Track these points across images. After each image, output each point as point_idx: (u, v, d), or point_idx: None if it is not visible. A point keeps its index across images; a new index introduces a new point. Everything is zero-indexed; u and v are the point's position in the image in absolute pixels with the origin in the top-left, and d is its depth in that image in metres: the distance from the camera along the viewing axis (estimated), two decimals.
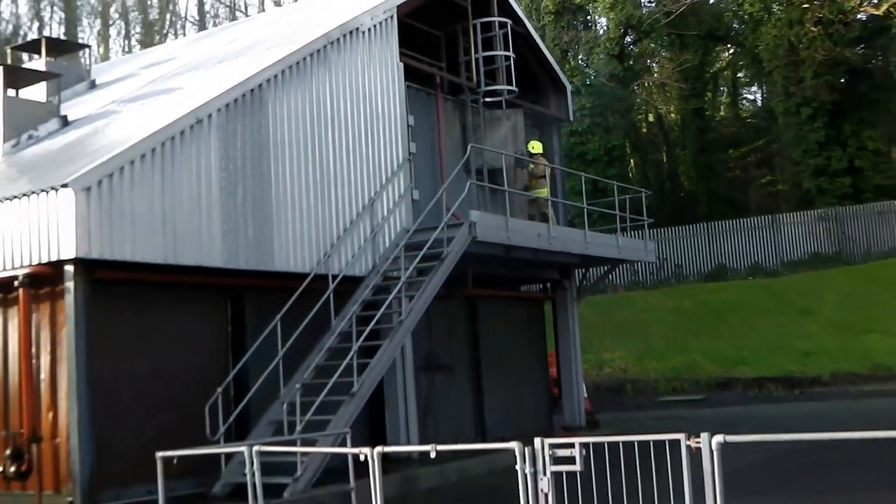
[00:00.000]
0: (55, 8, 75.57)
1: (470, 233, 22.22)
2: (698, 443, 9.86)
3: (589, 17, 64.04)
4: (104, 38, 76.92)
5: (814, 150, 53.94)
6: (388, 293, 20.85)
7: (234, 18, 71.76)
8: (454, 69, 27.34)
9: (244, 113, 19.98)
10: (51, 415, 17.32)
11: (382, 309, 20.51)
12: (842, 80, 54.96)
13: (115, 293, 17.77)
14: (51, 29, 72.47)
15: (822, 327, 41.73)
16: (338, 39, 22.67)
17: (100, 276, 17.14)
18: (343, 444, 17.13)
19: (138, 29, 78.91)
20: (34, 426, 17.00)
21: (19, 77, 23.74)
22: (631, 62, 62.70)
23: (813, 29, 52.93)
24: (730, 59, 70.92)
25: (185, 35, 68.91)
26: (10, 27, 73.47)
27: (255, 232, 19.83)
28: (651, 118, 72.80)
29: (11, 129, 22.17)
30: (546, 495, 10.67)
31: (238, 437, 19.13)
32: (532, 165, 27.13)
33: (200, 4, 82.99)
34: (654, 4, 61.26)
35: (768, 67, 56.75)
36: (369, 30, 23.59)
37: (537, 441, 10.74)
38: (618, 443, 10.83)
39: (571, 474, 10.66)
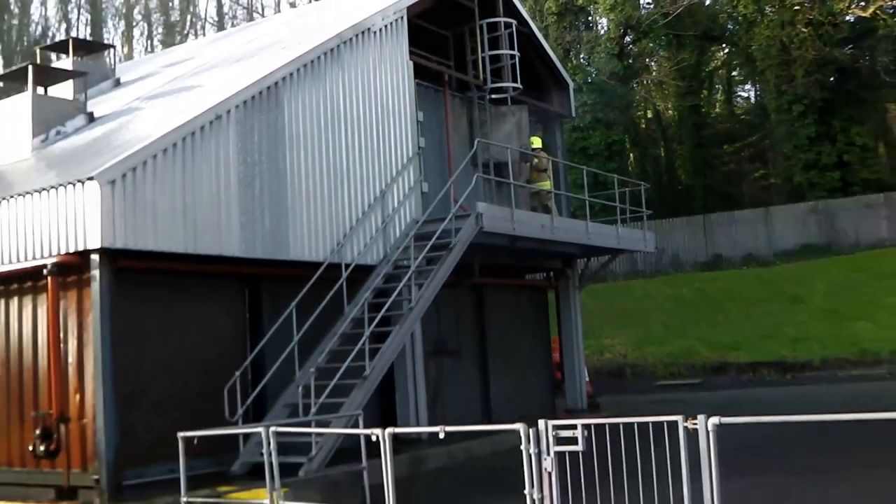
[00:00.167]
0: (82, 10, 75.68)
1: (477, 224, 22.21)
2: (695, 424, 9.85)
3: (590, 18, 64.01)
4: (128, 38, 76.98)
5: (805, 146, 53.92)
6: (399, 281, 20.85)
7: (251, 19, 71.73)
8: (461, 67, 27.33)
9: (261, 109, 19.97)
10: (78, 397, 17.34)
11: (393, 296, 20.51)
12: (831, 79, 54.92)
13: (138, 281, 17.79)
14: (78, 30, 72.54)
15: (812, 315, 41.73)
16: (350, 39, 22.65)
17: (124, 264, 17.15)
18: (355, 426, 17.17)
19: (160, 30, 78.97)
20: (62, 407, 17.01)
21: (48, 76, 23.76)
22: (630, 61, 62.64)
23: (804, 30, 52.89)
24: (725, 59, 70.78)
25: (204, 35, 68.86)
26: (39, 28, 73.62)
27: (272, 223, 19.83)
28: (650, 115, 72.72)
29: (40, 125, 22.17)
30: (549, 474, 10.67)
31: (255, 418, 19.13)
32: (536, 160, 27.15)
33: (219, 6, 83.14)
34: (652, 6, 61.22)
35: (761, 66, 56.72)
36: (381, 30, 23.57)
37: (541, 423, 10.73)
38: (618, 424, 10.82)
39: (574, 454, 10.65)
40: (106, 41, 65.56)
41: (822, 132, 53.65)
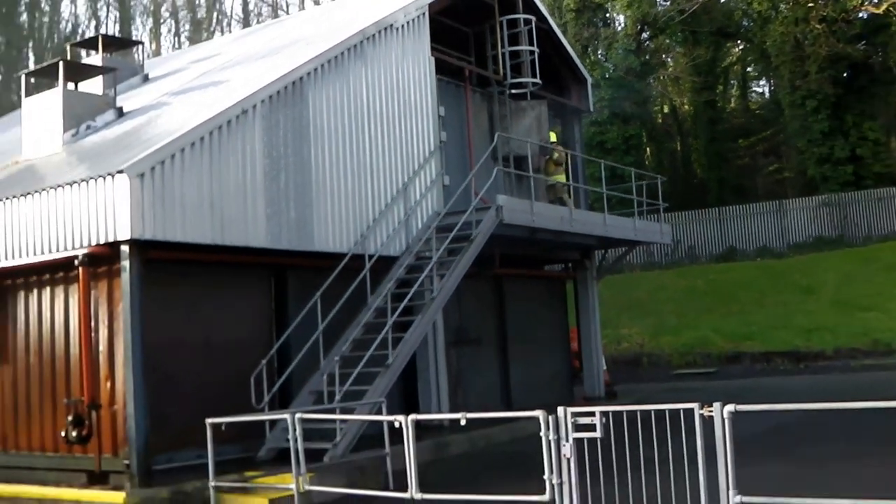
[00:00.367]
0: (111, 8, 75.79)
1: (497, 216, 22.24)
2: (711, 411, 9.85)
3: (608, 15, 63.79)
4: (156, 35, 77.08)
5: (818, 140, 53.68)
6: (421, 272, 20.88)
7: (276, 16, 71.75)
8: (482, 63, 27.32)
9: (286, 104, 20.00)
10: (109, 384, 17.40)
11: (415, 287, 20.55)
12: (844, 75, 54.65)
13: (167, 272, 17.84)
14: (107, 27, 72.62)
15: (824, 306, 41.57)
16: (373, 35, 22.67)
17: (153, 255, 17.19)
18: (379, 413, 17.20)
19: (187, 27, 79.03)
20: (94, 394, 17.07)
21: (78, 71, 23.80)
22: (647, 57, 62.44)
23: (817, 26, 52.64)
24: (740, 55, 70.55)
25: (230, 32, 68.92)
26: (69, 26, 73.79)
27: (297, 214, 19.86)
28: (666, 109, 72.52)
29: (71, 119, 22.22)
30: (568, 460, 10.70)
31: (281, 405, 19.16)
32: (557, 153, 27.16)
33: (245, 3, 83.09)
34: (668, 3, 60.97)
35: (776, 62, 56.46)
36: (403, 26, 23.58)
37: (560, 410, 10.76)
38: (635, 411, 10.83)
39: (592, 441, 10.67)
40: (134, 38, 65.57)
41: (835, 127, 53.43)
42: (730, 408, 9.71)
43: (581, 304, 30.30)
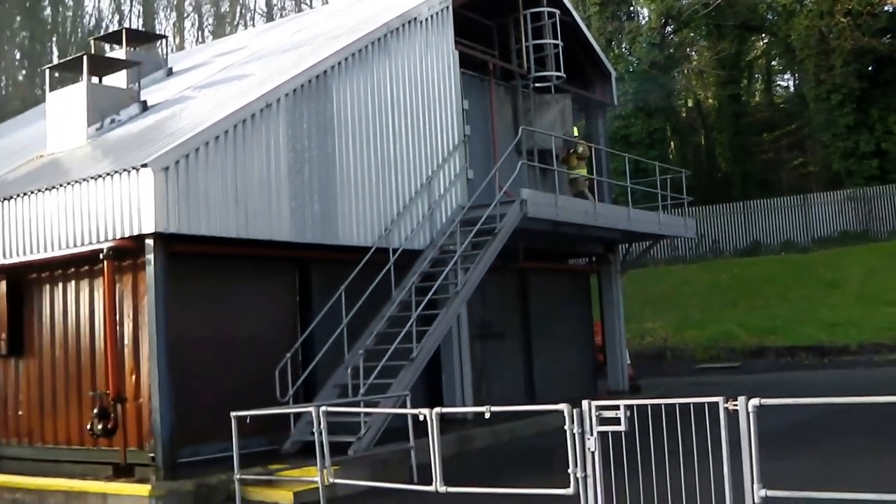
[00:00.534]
0: (134, 2, 75.96)
1: (521, 209, 22.23)
2: (735, 405, 9.83)
3: (632, 8, 63.70)
4: (179, 29, 77.24)
5: (843, 134, 53.48)
6: (445, 265, 20.89)
7: (299, 10, 71.80)
8: (506, 56, 27.31)
9: (310, 98, 20.01)
10: (134, 377, 17.48)
11: (440, 280, 20.56)
12: (869, 68, 54.44)
13: (191, 265, 17.88)
14: (130, 21, 72.74)
15: (849, 300, 41.41)
16: (397, 29, 22.67)
17: (178, 249, 17.22)
18: (403, 406, 17.22)
19: (211, 21, 79.14)
20: (119, 387, 17.11)
21: (102, 65, 23.86)
22: (671, 51, 62.32)
23: (842, 20, 52.39)
24: (764, 48, 70.29)
25: (254, 26, 68.99)
26: (93, 20, 74.06)
27: (321, 208, 19.88)
28: (690, 103, 72.32)
29: (95, 113, 22.28)
30: (593, 453, 10.68)
31: (305, 399, 19.23)
32: (581, 147, 27.15)
33: None
34: None
35: (800, 56, 56.25)
36: (427, 19, 23.57)
37: (585, 403, 10.74)
38: (660, 405, 10.81)
39: (616, 434, 10.65)
40: (158, 32, 65.81)
41: (859, 121, 53.21)
42: (755, 401, 9.68)
43: (605, 298, 30.26)
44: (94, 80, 23.04)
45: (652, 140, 56.89)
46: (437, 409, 11.95)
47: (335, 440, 15.14)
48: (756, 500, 9.67)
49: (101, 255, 17.22)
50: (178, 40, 74.04)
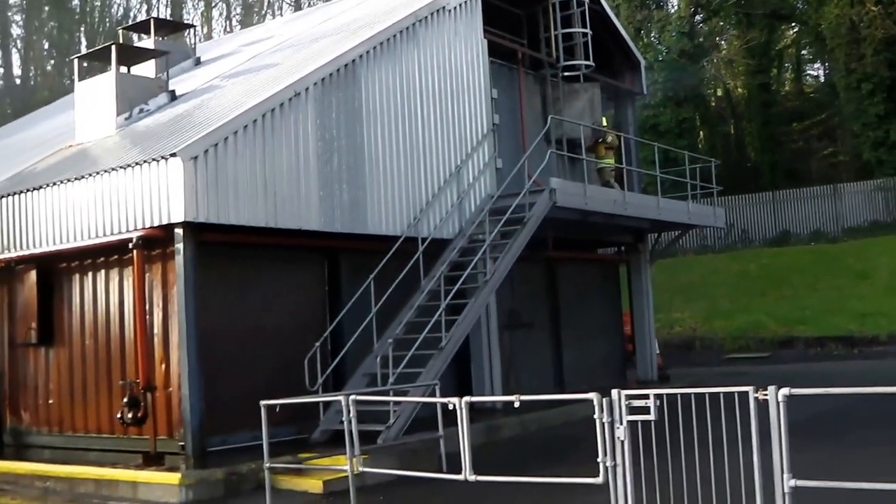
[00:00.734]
0: None
1: (550, 198, 22.20)
2: (765, 395, 9.80)
3: None
4: (207, 18, 77.35)
5: (873, 124, 53.15)
6: (474, 255, 20.87)
7: (327, 0, 71.79)
8: (535, 45, 27.24)
9: (339, 87, 20.04)
10: (163, 366, 17.57)
11: (468, 269, 20.55)
12: None
13: (220, 254, 17.97)
14: (158, 10, 72.94)
15: (878, 290, 41.18)
16: (426, 17, 22.66)
17: (207, 238, 17.30)
18: (432, 395, 17.25)
19: (238, 10, 79.25)
20: (149, 376, 17.21)
21: (131, 55, 23.95)
22: (700, 39, 62.03)
23: (873, 9, 52.07)
24: (794, 37, 69.98)
25: (281, 15, 69.06)
26: (121, 10, 74.30)
27: (350, 197, 19.91)
28: (719, 92, 72.04)
29: (124, 103, 22.37)
30: (622, 442, 10.66)
31: (334, 387, 19.27)
32: (611, 137, 27.13)
33: None
34: None
35: (830, 45, 55.93)
36: (455, 8, 23.55)
37: (614, 392, 10.72)
38: (689, 395, 10.77)
39: (645, 423, 10.64)
40: (186, 22, 65.96)
41: (890, 110, 52.84)
42: (785, 391, 9.64)
43: (634, 288, 30.22)
44: (123, 69, 23.14)
45: (681, 129, 56.68)
46: (466, 398, 11.95)
47: (364, 429, 15.12)
48: (786, 490, 9.64)
49: (130, 245, 17.32)
50: (205, 30, 74.23)
